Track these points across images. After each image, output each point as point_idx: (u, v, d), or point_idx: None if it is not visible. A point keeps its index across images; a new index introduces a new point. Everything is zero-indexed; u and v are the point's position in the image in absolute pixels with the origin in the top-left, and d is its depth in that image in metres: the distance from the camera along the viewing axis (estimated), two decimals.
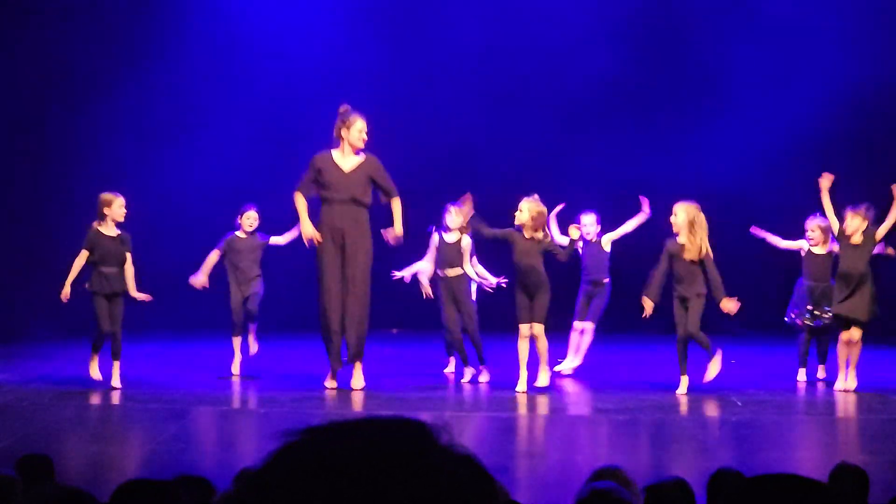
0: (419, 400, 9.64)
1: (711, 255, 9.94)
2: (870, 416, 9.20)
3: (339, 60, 14.82)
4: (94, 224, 10.10)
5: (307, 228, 10.01)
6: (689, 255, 9.90)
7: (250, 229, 11.15)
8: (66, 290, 10.03)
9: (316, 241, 9.97)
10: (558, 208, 11.05)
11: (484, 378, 10.60)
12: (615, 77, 14.90)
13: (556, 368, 10.99)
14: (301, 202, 10.07)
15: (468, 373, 10.66)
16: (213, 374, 10.91)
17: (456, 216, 10.50)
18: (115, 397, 9.56)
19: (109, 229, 10.07)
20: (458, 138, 14.92)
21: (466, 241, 10.53)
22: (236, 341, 11.08)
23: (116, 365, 9.96)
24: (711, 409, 9.30)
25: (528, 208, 9.98)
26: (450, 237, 10.58)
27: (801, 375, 10.84)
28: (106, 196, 10.12)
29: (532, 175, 14.24)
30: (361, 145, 10.05)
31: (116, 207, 10.04)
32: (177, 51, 14.80)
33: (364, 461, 1.12)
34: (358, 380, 10.06)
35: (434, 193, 11.90)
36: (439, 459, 1.14)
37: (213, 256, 11.11)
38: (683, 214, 9.96)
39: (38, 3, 14.47)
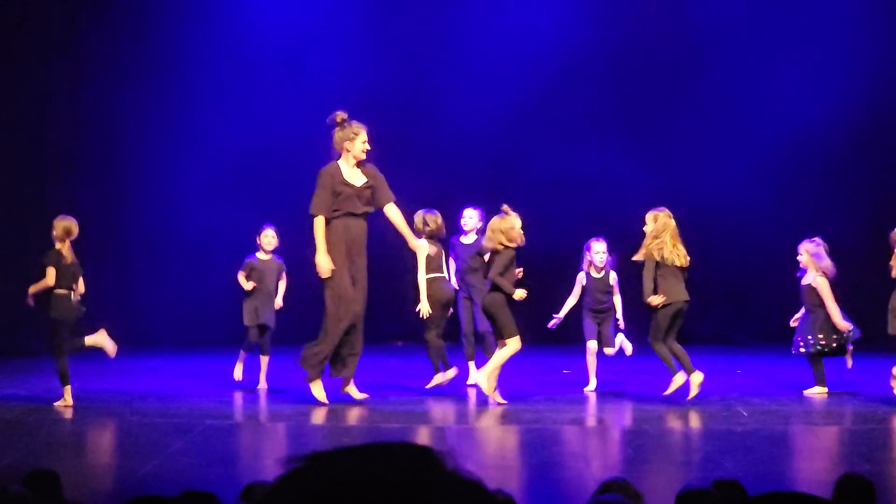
0: (422, 413, 9.65)
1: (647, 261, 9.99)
2: (875, 426, 9.18)
3: (340, 68, 14.83)
4: (57, 246, 9.65)
5: (324, 262, 9.62)
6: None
7: (269, 248, 10.87)
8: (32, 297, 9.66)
9: (330, 273, 9.65)
10: None
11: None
12: (616, 90, 14.91)
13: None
14: (321, 227, 9.64)
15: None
16: (219, 388, 10.88)
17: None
18: (121, 412, 9.53)
19: (69, 253, 9.71)
20: (462, 152, 14.92)
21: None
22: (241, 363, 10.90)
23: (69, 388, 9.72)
24: (717, 420, 9.28)
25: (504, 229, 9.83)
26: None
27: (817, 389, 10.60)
28: (66, 222, 9.69)
29: (540, 187, 14.26)
30: (364, 157, 9.78)
31: (76, 230, 9.69)
32: (186, 55, 14.83)
33: (370, 487, 1.12)
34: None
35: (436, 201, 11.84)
36: (445, 485, 1.15)
37: (245, 284, 10.76)
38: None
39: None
